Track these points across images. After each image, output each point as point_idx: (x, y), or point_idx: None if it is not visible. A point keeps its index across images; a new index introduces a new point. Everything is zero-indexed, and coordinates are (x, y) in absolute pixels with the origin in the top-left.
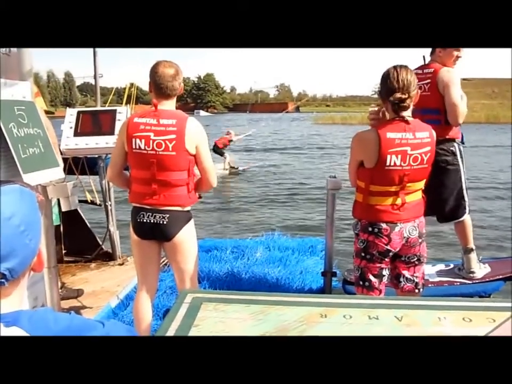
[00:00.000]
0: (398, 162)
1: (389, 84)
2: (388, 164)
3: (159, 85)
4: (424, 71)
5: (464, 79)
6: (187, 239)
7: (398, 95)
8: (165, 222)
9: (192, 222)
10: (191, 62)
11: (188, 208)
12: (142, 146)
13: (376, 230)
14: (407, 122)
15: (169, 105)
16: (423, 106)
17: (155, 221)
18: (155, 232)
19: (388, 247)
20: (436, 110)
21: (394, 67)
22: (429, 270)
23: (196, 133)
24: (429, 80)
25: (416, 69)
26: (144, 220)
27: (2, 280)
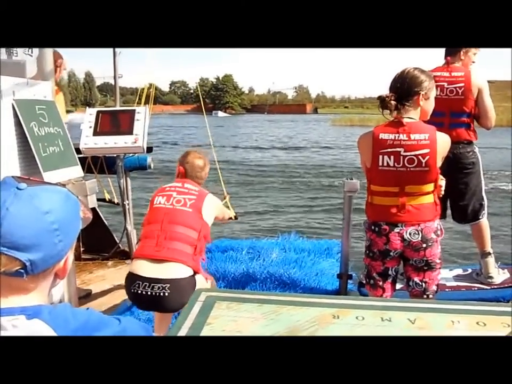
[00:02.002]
0: (391, 163)
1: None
2: (380, 164)
3: (189, 173)
4: (452, 74)
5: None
6: None
7: (381, 94)
8: (166, 294)
9: (199, 277)
10: (210, 63)
11: (191, 272)
12: (162, 202)
13: (377, 229)
14: (401, 123)
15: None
16: (455, 110)
17: (153, 293)
18: (155, 306)
19: (387, 247)
20: (468, 114)
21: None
22: (446, 274)
23: (214, 207)
24: (462, 84)
25: (437, 69)
26: (139, 291)
27: (22, 270)
